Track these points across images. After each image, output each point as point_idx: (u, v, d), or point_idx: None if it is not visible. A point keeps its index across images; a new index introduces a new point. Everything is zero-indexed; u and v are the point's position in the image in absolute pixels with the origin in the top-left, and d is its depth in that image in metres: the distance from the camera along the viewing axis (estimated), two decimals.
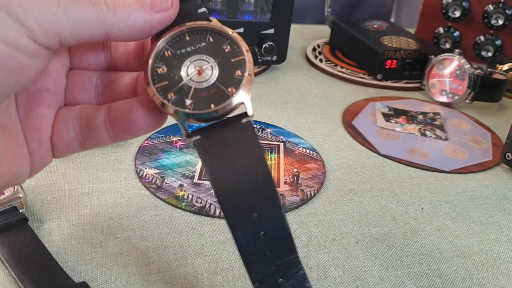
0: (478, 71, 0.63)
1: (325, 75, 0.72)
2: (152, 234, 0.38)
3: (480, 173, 0.51)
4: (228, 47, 0.27)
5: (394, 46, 0.70)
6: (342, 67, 0.74)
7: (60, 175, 0.43)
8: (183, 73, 0.26)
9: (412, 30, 0.86)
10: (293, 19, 0.67)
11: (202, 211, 0.41)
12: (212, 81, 0.26)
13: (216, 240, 0.38)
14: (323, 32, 0.90)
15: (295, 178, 0.46)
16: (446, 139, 0.57)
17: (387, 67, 0.69)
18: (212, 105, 0.25)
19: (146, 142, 0.49)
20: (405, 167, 0.50)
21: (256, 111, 0.59)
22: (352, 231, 0.40)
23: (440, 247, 0.40)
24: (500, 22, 0.75)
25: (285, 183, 0.45)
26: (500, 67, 0.67)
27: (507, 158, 0.51)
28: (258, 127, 0.55)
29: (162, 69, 0.27)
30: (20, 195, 0.37)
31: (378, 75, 0.70)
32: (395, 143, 0.54)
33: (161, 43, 0.27)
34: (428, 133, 0.57)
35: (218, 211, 0.41)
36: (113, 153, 0.47)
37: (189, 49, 0.27)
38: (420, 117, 0.61)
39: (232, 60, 0.27)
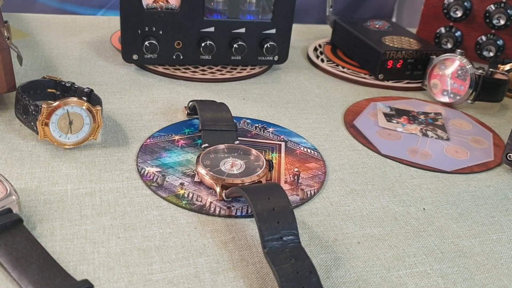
0: (480, 71, 0.63)
1: (326, 75, 0.72)
2: (154, 234, 0.38)
3: (481, 174, 0.51)
4: (252, 156, 0.46)
5: (396, 46, 0.70)
6: (343, 67, 0.74)
7: (62, 175, 0.43)
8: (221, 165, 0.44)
9: (414, 30, 0.86)
10: (294, 19, 0.67)
11: (202, 210, 0.41)
12: (241, 170, 0.44)
13: (218, 240, 0.38)
14: (324, 32, 0.90)
15: (296, 177, 0.46)
16: (447, 139, 0.57)
17: (388, 67, 0.69)
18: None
19: (148, 140, 0.50)
20: (406, 167, 0.50)
21: (258, 110, 0.59)
22: (354, 231, 0.40)
23: (442, 247, 0.40)
24: (502, 22, 0.75)
25: (286, 182, 0.45)
26: (501, 67, 0.67)
27: (508, 158, 0.51)
28: (260, 126, 0.55)
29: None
30: (13, 197, 0.36)
31: (379, 75, 0.70)
32: (397, 143, 0.55)
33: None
34: (429, 133, 0.57)
35: (218, 209, 0.41)
36: (115, 153, 0.47)
37: (227, 155, 0.46)
38: (422, 117, 0.61)
39: (255, 163, 0.45)
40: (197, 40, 0.64)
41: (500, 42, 0.77)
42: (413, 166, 0.51)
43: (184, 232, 0.38)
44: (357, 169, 0.49)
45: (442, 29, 0.81)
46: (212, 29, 0.63)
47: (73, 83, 0.52)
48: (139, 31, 0.62)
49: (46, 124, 0.44)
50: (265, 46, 0.65)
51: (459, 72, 0.64)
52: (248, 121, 0.56)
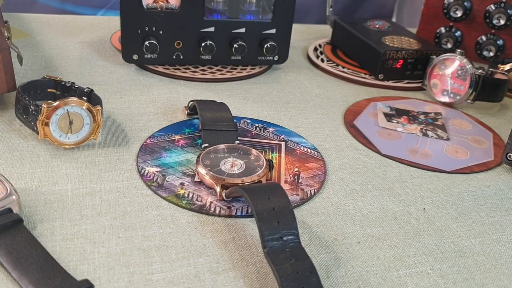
0: (480, 71, 0.63)
1: (326, 75, 0.72)
2: (154, 234, 0.38)
3: (481, 173, 0.51)
4: (252, 156, 0.46)
5: (396, 46, 0.70)
6: (343, 67, 0.74)
7: (62, 175, 0.43)
8: (221, 165, 0.44)
9: (414, 30, 0.86)
10: (294, 19, 0.67)
11: (202, 209, 0.41)
12: (241, 170, 0.44)
13: (218, 240, 0.38)
14: (324, 32, 0.90)
15: (296, 177, 0.46)
16: (447, 139, 0.57)
17: (388, 67, 0.69)
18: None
19: (149, 140, 0.50)
20: (406, 167, 0.50)
21: (258, 110, 0.59)
22: (354, 231, 0.41)
23: (442, 247, 0.40)
24: (502, 22, 0.75)
25: (286, 182, 0.45)
26: (501, 67, 0.67)
27: (508, 158, 0.51)
28: (260, 126, 0.55)
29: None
30: (14, 197, 0.36)
31: (379, 75, 0.70)
32: (397, 143, 0.55)
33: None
34: (429, 133, 0.57)
35: (218, 209, 0.41)
36: (115, 153, 0.47)
37: (227, 154, 0.46)
38: (422, 117, 0.61)
39: (255, 163, 0.45)
40: (197, 40, 0.64)
41: (500, 42, 0.77)
42: (413, 166, 0.51)
43: (184, 232, 0.38)
44: (357, 169, 0.49)
45: (442, 29, 0.81)
46: (212, 29, 0.63)
47: (73, 83, 0.52)
48: (139, 31, 0.62)
49: (46, 124, 0.44)
50: (265, 46, 0.65)
51: (459, 72, 0.64)
52: (248, 121, 0.56)
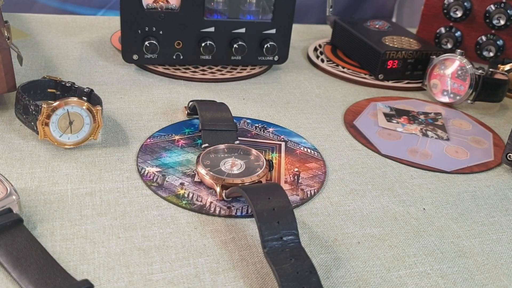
0: (480, 71, 0.63)
1: (326, 75, 0.72)
2: (154, 234, 0.38)
3: (481, 174, 0.51)
4: (252, 156, 0.46)
5: (396, 46, 0.70)
6: (343, 67, 0.74)
7: (62, 175, 0.43)
8: (221, 165, 0.44)
9: (414, 30, 0.86)
10: (294, 19, 0.67)
11: (202, 210, 0.41)
12: (241, 170, 0.44)
13: (218, 240, 0.38)
14: (324, 32, 0.90)
15: (296, 177, 0.46)
16: (447, 139, 0.57)
17: (388, 67, 0.69)
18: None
19: (149, 140, 0.50)
20: (406, 167, 0.50)
21: (258, 110, 0.59)
22: (354, 231, 0.41)
23: (442, 247, 0.40)
24: (502, 22, 0.75)
25: (286, 182, 0.45)
26: (501, 67, 0.67)
27: (508, 158, 0.51)
28: (260, 126, 0.55)
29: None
30: (14, 197, 0.36)
31: (379, 75, 0.70)
32: (397, 143, 0.55)
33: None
34: (429, 133, 0.57)
35: (218, 209, 0.41)
36: (115, 153, 0.47)
37: (227, 154, 0.46)
38: (422, 117, 0.61)
39: (255, 163, 0.45)
40: (197, 40, 0.64)
41: (500, 42, 0.77)
42: (413, 166, 0.51)
43: (184, 232, 0.38)
44: (357, 169, 0.49)
45: (442, 29, 0.81)
46: (212, 29, 0.63)
47: (73, 83, 0.52)
48: (139, 31, 0.62)
49: (47, 124, 0.44)
50: (265, 46, 0.65)
51: (459, 72, 0.64)
52: (248, 121, 0.56)
